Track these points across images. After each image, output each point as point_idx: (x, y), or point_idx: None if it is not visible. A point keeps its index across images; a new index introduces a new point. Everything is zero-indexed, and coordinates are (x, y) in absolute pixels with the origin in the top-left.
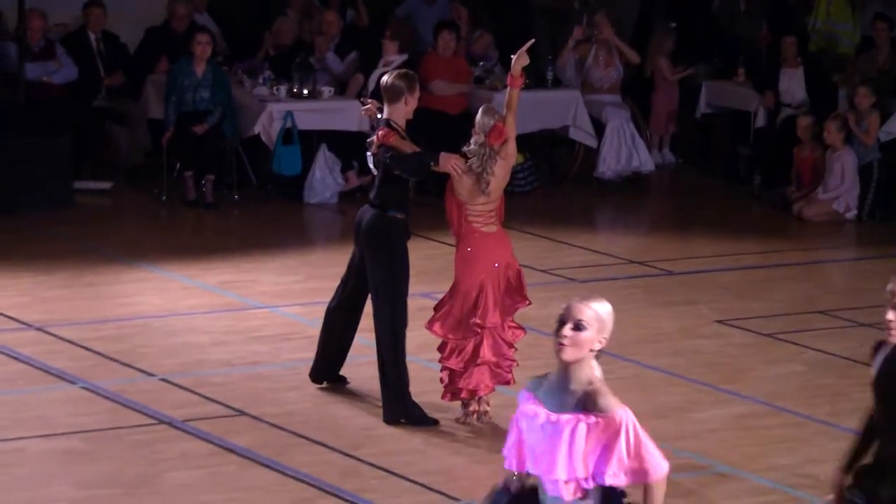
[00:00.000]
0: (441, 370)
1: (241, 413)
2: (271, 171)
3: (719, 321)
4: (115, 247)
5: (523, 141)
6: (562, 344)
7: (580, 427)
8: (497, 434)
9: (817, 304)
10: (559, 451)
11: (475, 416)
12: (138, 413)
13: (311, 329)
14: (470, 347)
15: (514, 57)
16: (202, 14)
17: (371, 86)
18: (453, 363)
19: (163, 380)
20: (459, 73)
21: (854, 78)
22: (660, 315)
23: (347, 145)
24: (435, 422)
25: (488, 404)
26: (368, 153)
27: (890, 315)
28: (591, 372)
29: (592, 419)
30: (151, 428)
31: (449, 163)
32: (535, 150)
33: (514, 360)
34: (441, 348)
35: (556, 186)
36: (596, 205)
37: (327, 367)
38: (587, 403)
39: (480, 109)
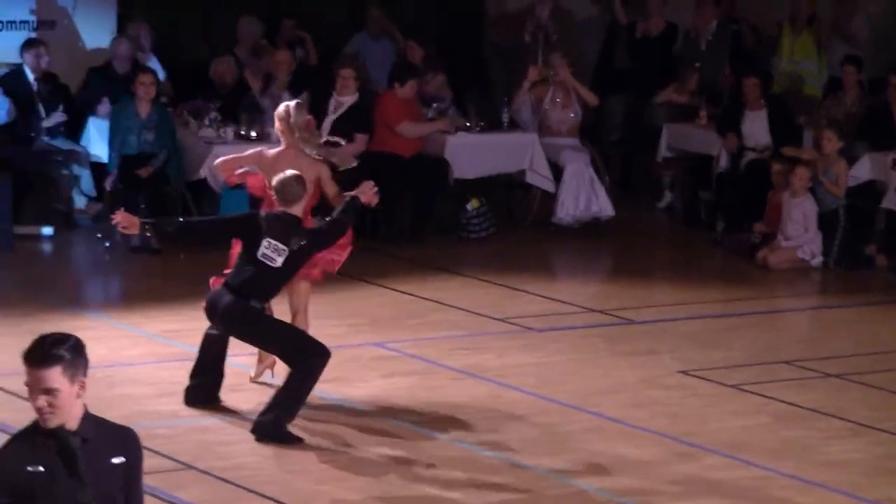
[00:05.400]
0: None
1: (189, 467)
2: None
3: (682, 371)
4: (56, 294)
5: (478, 185)
6: None
7: None
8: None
9: (782, 353)
10: None
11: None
12: None
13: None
14: None
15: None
16: (148, 55)
17: (325, 132)
18: None
19: None
20: (415, 114)
21: (820, 121)
22: (621, 365)
23: None
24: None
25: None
26: (269, 246)
27: None
28: None
29: None
30: None
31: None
32: (490, 195)
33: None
34: None
35: (512, 232)
36: (554, 251)
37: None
38: None
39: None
